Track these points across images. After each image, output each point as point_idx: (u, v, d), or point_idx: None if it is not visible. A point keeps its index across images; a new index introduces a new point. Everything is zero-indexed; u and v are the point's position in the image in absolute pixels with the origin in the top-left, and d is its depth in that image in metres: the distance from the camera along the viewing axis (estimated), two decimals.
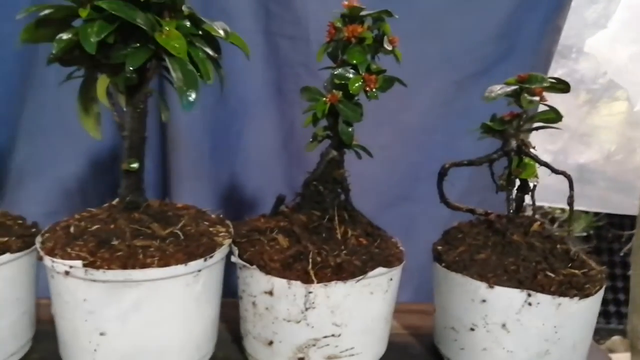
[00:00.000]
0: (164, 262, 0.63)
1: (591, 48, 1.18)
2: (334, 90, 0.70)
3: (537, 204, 0.76)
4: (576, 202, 0.73)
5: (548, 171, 0.72)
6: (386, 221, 0.79)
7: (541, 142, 0.87)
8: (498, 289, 0.67)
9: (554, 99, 0.74)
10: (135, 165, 0.68)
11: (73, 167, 1.01)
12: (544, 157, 0.75)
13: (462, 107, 1.07)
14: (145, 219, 0.68)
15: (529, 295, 0.66)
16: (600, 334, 1.81)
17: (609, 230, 2.13)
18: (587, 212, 1.94)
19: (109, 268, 0.61)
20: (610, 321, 2.09)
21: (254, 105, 1.04)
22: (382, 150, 1.06)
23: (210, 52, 0.64)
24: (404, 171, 1.11)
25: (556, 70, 1.20)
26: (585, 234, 2.06)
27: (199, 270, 0.66)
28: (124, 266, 0.61)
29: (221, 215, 0.78)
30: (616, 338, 1.76)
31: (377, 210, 1.00)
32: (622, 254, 2.07)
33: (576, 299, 0.66)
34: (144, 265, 0.62)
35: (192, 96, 0.58)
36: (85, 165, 1.02)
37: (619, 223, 2.10)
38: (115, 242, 0.64)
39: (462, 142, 0.97)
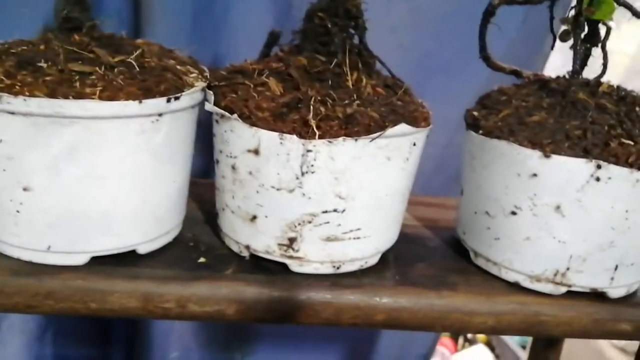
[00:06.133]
0: (110, 95, 0.46)
1: None
2: None
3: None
4: None
5: (628, 14, 0.55)
6: None
7: None
8: (556, 158, 0.50)
9: None
10: None
11: None
12: None
13: None
14: (89, 41, 0.50)
15: (599, 167, 0.49)
16: None
17: None
18: None
19: (32, 95, 0.44)
20: None
21: None
22: (393, 33, 0.89)
23: None
24: (416, 60, 0.92)
25: None
26: None
27: (160, 115, 0.49)
28: (53, 94, 0.44)
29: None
30: None
31: None
32: None
33: None
34: (80, 96, 0.45)
35: None
36: None
37: None
38: (42, 64, 0.46)
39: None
